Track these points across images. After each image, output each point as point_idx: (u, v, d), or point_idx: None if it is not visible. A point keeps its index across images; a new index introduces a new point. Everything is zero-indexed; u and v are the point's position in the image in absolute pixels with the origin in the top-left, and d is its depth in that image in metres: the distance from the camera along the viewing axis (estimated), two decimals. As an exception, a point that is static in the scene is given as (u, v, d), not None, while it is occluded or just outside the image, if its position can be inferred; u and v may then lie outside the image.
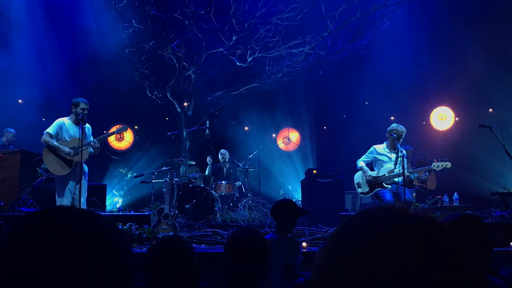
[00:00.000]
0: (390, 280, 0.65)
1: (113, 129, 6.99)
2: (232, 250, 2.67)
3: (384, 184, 7.39)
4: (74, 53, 12.61)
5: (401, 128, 7.34)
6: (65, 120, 6.71)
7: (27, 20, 11.96)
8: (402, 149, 7.21)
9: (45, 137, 6.56)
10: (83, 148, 6.37)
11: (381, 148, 7.58)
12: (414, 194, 9.76)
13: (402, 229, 0.70)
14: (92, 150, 6.65)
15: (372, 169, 7.69)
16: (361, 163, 7.66)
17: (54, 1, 12.17)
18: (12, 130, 10.06)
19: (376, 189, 7.46)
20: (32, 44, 12.07)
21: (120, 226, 6.29)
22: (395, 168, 7.33)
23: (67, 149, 6.49)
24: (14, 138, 10.00)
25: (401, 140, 7.36)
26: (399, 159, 7.23)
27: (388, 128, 7.46)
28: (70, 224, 0.83)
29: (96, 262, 0.80)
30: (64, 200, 6.47)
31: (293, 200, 10.31)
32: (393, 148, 7.42)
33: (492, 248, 2.22)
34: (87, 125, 6.76)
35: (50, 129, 6.59)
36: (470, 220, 2.19)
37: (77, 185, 6.46)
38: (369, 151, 7.70)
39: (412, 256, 0.66)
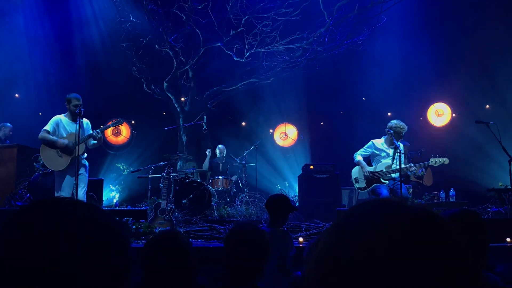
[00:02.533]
0: (388, 272, 0.64)
1: (109, 123, 6.97)
2: (232, 245, 2.66)
3: (381, 179, 7.40)
4: (71, 47, 12.57)
5: (402, 125, 7.33)
6: (62, 117, 6.74)
7: (23, 16, 11.90)
8: (399, 144, 7.20)
9: (42, 134, 6.59)
10: (80, 143, 6.40)
11: (380, 143, 7.58)
12: (411, 190, 9.78)
13: (400, 221, 0.70)
14: (95, 141, 6.68)
15: (369, 164, 7.69)
16: (358, 157, 7.65)
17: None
18: (9, 124, 9.97)
19: (373, 185, 7.47)
20: (28, 38, 12.02)
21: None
22: (392, 163, 7.32)
23: (65, 141, 6.52)
24: (11, 133, 9.92)
25: (401, 137, 7.36)
26: (396, 155, 7.23)
27: (388, 124, 7.44)
28: (67, 215, 0.82)
29: (93, 253, 0.79)
30: (62, 194, 6.49)
31: (289, 195, 10.35)
32: (391, 143, 7.41)
33: (489, 244, 2.23)
34: (85, 120, 6.77)
35: (47, 126, 6.64)
36: (468, 216, 2.19)
37: (76, 179, 6.46)
38: (367, 145, 7.70)
39: (410, 248, 0.66)
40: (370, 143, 7.68)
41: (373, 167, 7.57)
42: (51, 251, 0.77)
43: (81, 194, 6.56)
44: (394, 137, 7.24)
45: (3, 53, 11.39)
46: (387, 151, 7.49)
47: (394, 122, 7.41)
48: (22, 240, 0.78)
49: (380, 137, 7.70)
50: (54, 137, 6.57)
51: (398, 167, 7.04)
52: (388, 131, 7.37)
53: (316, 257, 0.73)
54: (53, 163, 6.58)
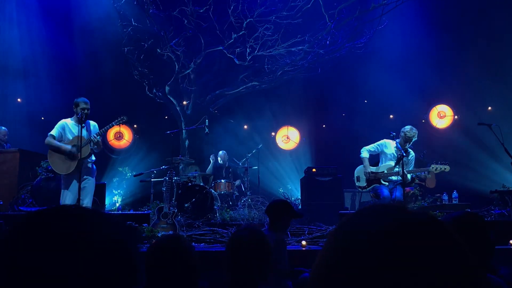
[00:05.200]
0: (391, 278, 0.64)
1: (112, 122, 6.97)
2: (234, 250, 2.66)
3: (382, 180, 7.47)
4: (73, 52, 12.59)
5: (413, 132, 7.39)
6: (68, 121, 6.76)
7: (24, 19, 11.94)
8: (402, 150, 7.22)
9: (47, 139, 6.61)
10: (84, 146, 6.41)
11: (392, 145, 7.61)
12: (411, 193, 9.76)
13: (403, 227, 0.69)
14: (94, 146, 6.68)
15: (377, 162, 7.76)
16: (365, 153, 7.71)
17: (52, 0, 12.15)
18: (4, 128, 9.87)
19: (373, 185, 7.54)
20: (30, 43, 12.04)
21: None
22: (395, 167, 7.39)
23: (68, 147, 6.52)
24: (6, 137, 9.84)
25: (409, 143, 7.40)
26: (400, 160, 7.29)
27: (402, 129, 7.50)
28: (72, 224, 0.82)
29: (99, 263, 0.79)
30: (67, 199, 6.51)
31: (291, 199, 10.35)
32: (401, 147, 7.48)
33: (494, 246, 2.22)
34: (93, 122, 6.81)
35: (53, 131, 6.65)
36: (471, 218, 2.19)
37: (81, 183, 6.47)
38: (379, 142, 7.75)
39: (412, 253, 0.66)
40: (382, 141, 7.74)
41: (376, 167, 7.64)
42: (54, 261, 0.76)
43: (87, 199, 6.55)
44: (401, 141, 7.33)
45: (5, 57, 11.43)
46: (395, 154, 7.53)
47: (406, 127, 7.46)
48: (26, 251, 0.77)
49: (383, 139, 7.78)
50: (59, 143, 6.58)
51: (399, 170, 7.14)
52: (400, 134, 7.45)
53: (320, 259, 0.73)
54: (60, 167, 6.59)
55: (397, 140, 7.61)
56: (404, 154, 7.18)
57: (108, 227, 0.85)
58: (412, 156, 7.48)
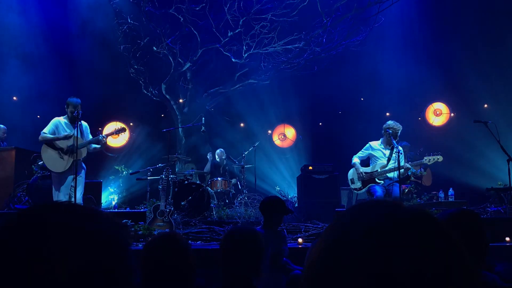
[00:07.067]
0: (385, 274, 0.64)
1: (112, 130, 7.01)
2: (227, 248, 2.67)
3: (376, 179, 7.48)
4: (69, 50, 12.56)
5: (397, 125, 7.42)
6: (61, 119, 6.78)
7: (21, 16, 11.89)
8: (397, 145, 7.24)
9: (41, 135, 6.64)
10: (80, 147, 6.43)
11: (377, 144, 7.67)
12: (407, 190, 9.77)
13: (396, 222, 0.69)
14: (97, 146, 6.76)
15: (368, 166, 7.77)
16: (355, 159, 7.77)
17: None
18: (3, 126, 9.85)
19: (368, 185, 7.54)
20: (27, 41, 12.00)
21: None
22: (387, 164, 7.40)
23: (63, 135, 6.54)
24: (5, 135, 9.81)
25: (397, 137, 7.42)
26: (393, 155, 7.30)
27: (384, 125, 7.53)
28: (65, 219, 0.81)
29: (93, 263, 0.78)
30: (61, 196, 6.51)
31: (288, 196, 10.36)
32: (388, 144, 7.50)
33: (488, 243, 2.23)
34: (84, 123, 6.81)
35: (46, 129, 6.68)
36: (467, 216, 2.19)
37: (73, 182, 6.48)
38: (364, 147, 7.80)
39: (406, 250, 0.65)
40: (367, 145, 7.80)
41: (369, 167, 7.66)
42: (45, 260, 0.75)
43: (79, 196, 6.56)
44: (392, 137, 7.31)
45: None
46: (384, 151, 7.57)
47: (389, 122, 7.49)
48: (18, 249, 0.76)
49: (377, 139, 7.78)
50: (52, 136, 6.61)
51: (393, 166, 7.15)
52: (386, 131, 7.43)
53: (313, 257, 0.73)
54: (53, 165, 6.60)
55: (381, 138, 7.66)
56: (397, 145, 7.20)
57: (101, 223, 0.84)
58: (401, 151, 7.47)
